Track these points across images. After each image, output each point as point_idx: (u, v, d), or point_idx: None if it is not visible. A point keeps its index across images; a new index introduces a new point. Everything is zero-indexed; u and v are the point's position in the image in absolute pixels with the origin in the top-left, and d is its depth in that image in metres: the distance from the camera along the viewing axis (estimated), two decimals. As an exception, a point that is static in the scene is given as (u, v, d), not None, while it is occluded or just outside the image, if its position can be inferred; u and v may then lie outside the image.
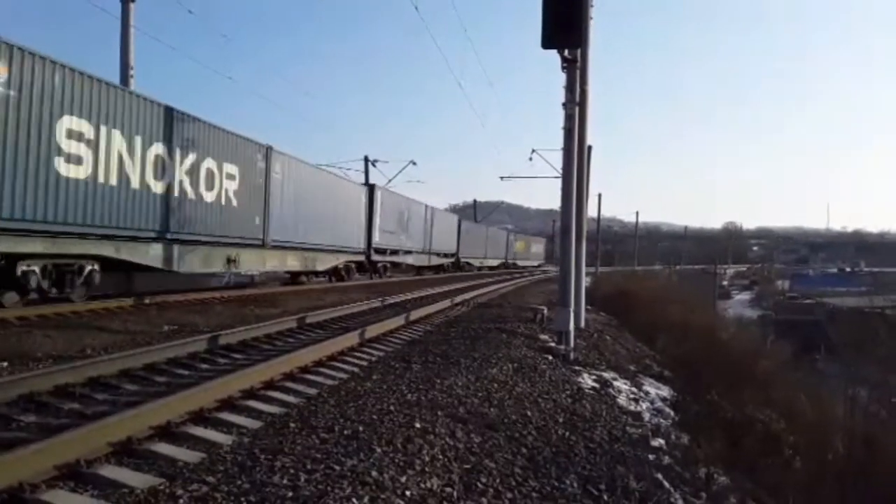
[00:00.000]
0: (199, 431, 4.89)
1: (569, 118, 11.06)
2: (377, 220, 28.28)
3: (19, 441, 4.27)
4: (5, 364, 7.13)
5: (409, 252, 34.41)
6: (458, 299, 18.01)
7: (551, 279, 33.68)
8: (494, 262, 58.35)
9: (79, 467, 3.92)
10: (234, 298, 16.36)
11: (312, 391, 6.40)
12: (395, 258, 32.13)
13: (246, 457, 4.26)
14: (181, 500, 3.46)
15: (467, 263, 49.08)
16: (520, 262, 68.07)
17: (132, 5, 17.80)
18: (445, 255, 43.19)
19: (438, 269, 42.41)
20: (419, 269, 39.40)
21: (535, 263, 75.95)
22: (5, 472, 3.55)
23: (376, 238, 28.32)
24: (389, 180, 44.98)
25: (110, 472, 3.97)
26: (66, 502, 3.50)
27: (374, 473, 4.00)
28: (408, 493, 3.85)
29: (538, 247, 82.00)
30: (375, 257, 28.48)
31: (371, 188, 29.01)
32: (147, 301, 13.57)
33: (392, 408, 5.71)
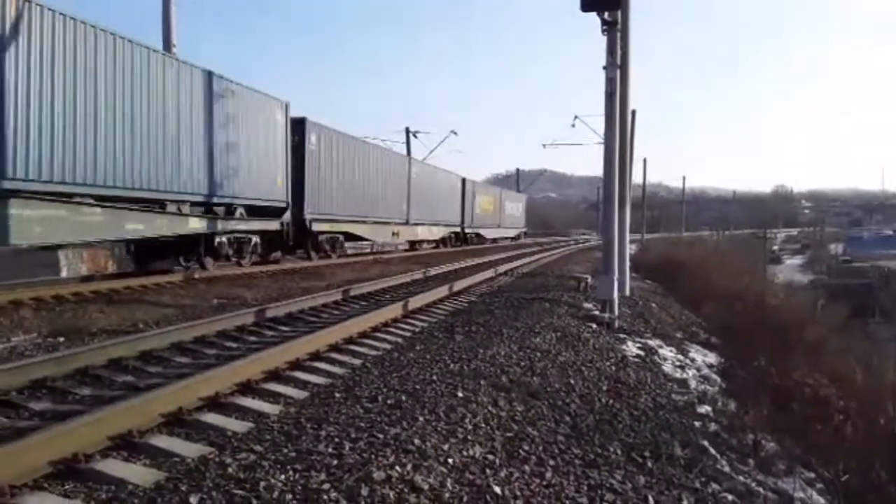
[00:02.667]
0: (247, 402, 5.00)
1: (610, 82, 10.86)
2: None
3: (75, 412, 4.42)
4: (62, 339, 7.38)
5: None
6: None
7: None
8: (439, 233, 33.72)
9: (132, 437, 4.04)
10: (281, 272, 16.61)
11: (357, 362, 6.48)
12: None
13: (292, 426, 4.34)
14: (230, 469, 3.55)
15: (362, 239, 24.62)
16: (486, 233, 44.15)
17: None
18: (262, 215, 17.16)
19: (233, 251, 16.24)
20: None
21: (512, 234, 52.79)
22: (62, 443, 3.68)
23: None
24: (431, 151, 44.70)
25: (162, 441, 4.10)
26: (120, 471, 3.61)
27: (416, 441, 4.05)
28: (450, 460, 3.89)
29: (515, 207, 54.07)
30: None
31: None
32: (196, 276, 13.86)
33: (435, 377, 5.76)
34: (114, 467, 3.67)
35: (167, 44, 17.41)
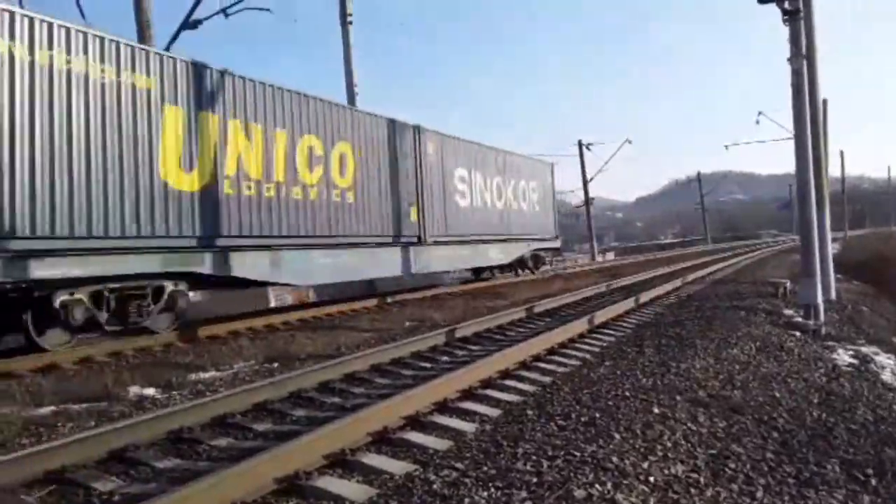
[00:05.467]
0: (445, 420, 5.19)
1: (796, 74, 10.19)
2: None
3: (293, 433, 4.83)
4: (276, 364, 8.06)
5: None
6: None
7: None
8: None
9: (344, 455, 4.33)
10: (464, 292, 17.03)
11: (546, 379, 6.51)
12: None
13: (489, 444, 4.45)
14: (435, 486, 3.71)
15: None
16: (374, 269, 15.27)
17: (350, 28, 19.46)
18: None
19: None
20: None
21: (514, 254, 21.16)
22: (284, 462, 4.02)
23: None
24: (605, 162, 43.88)
25: (371, 459, 4.35)
26: (337, 488, 3.88)
27: (614, 459, 4.01)
28: (651, 479, 3.81)
29: (519, 190, 21.81)
30: None
31: None
32: (388, 300, 14.59)
33: (627, 393, 5.66)
34: (331, 484, 3.95)
35: (350, 88, 18.77)
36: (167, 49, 15.98)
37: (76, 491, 4.10)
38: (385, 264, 15.07)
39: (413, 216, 16.10)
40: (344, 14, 20.15)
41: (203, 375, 7.61)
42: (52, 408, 6.29)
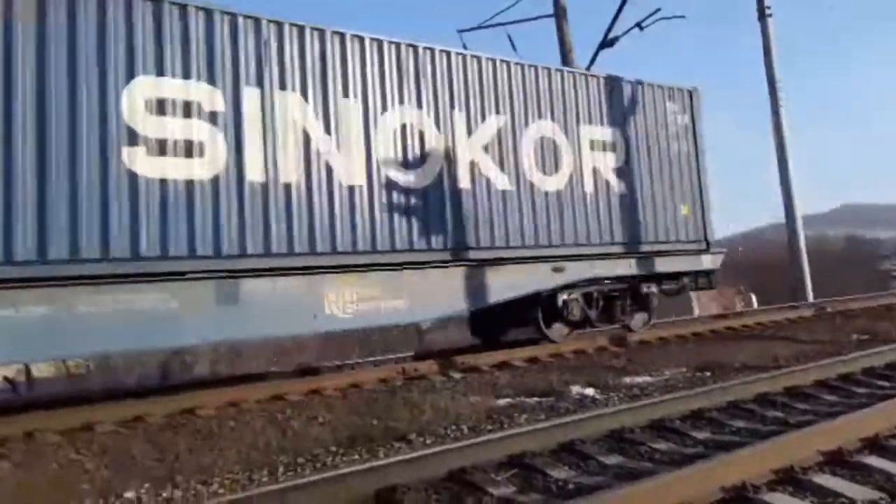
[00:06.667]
0: (913, 448, 4.58)
1: None
2: None
3: (733, 444, 4.73)
4: (707, 373, 7.97)
5: None
6: None
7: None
8: None
9: (793, 473, 4.10)
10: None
11: None
12: None
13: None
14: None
15: None
16: None
17: (770, 20, 18.35)
18: None
19: None
20: None
21: (493, 298, 9.58)
22: (729, 471, 3.96)
23: None
24: None
25: (825, 480, 4.03)
26: (790, 507, 3.72)
27: None
28: None
29: (579, 139, 10.89)
30: None
31: None
32: (829, 310, 13.40)
33: None
34: (781, 501, 3.77)
35: (771, 82, 17.75)
36: (588, 69, 16.90)
37: (535, 476, 4.58)
38: None
39: None
40: (762, 7, 19.19)
41: (636, 380, 7.89)
42: (509, 399, 7.16)
